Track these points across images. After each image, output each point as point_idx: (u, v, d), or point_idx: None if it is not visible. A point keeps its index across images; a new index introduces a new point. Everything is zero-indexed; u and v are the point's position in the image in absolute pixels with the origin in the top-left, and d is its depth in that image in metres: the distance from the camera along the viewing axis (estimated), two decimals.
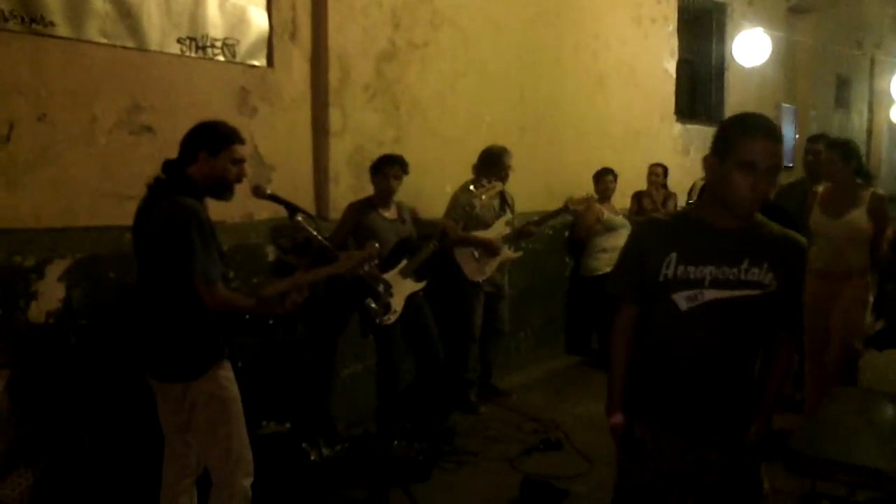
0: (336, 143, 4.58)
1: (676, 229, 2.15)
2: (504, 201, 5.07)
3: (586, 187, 5.98)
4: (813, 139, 5.13)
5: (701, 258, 2.05)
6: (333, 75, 4.52)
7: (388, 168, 4.22)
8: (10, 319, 3.05)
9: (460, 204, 4.62)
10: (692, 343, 2.08)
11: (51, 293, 3.21)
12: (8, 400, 2.78)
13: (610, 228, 6.04)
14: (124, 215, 3.33)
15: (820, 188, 4.46)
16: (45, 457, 2.90)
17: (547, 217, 5.22)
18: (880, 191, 4.31)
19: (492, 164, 4.85)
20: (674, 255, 2.06)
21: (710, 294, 2.03)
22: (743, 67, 8.68)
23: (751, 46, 8.31)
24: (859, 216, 4.13)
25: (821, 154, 4.60)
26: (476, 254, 4.85)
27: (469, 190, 4.53)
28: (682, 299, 2.05)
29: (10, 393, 2.78)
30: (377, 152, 4.47)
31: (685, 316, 2.05)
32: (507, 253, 5.03)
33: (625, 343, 2.22)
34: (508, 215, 5.04)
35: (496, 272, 5.02)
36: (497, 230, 4.92)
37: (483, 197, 4.42)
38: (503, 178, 4.79)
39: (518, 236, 5.12)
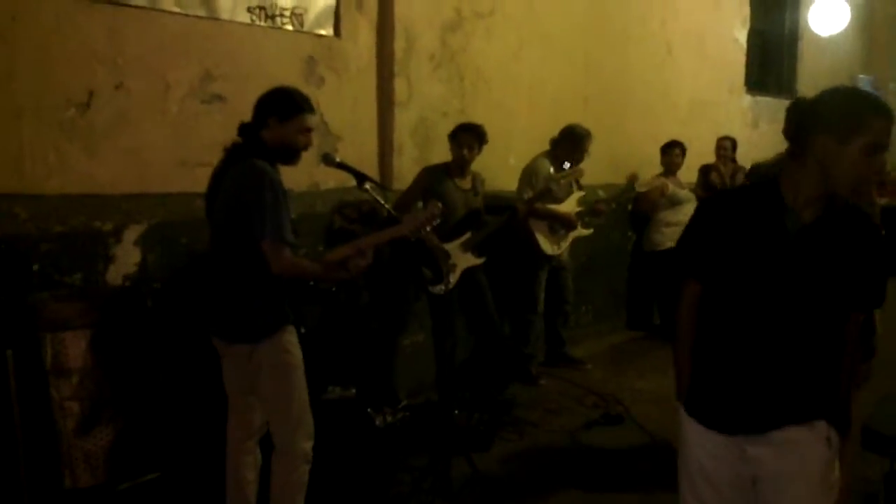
0: (401, 113, 4.58)
1: None
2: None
3: (652, 160, 5.86)
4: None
5: None
6: (399, 45, 4.50)
7: (463, 135, 4.18)
8: (91, 282, 3.17)
9: (539, 178, 4.68)
10: None
11: (127, 257, 3.32)
12: (90, 359, 2.89)
13: (675, 202, 5.91)
14: (195, 182, 3.42)
15: None
16: (125, 413, 3.01)
17: (618, 196, 5.26)
18: None
19: (573, 145, 4.84)
20: None
21: None
22: (818, 36, 8.34)
23: (828, 14, 7.97)
24: None
25: None
26: (552, 228, 4.85)
27: (551, 173, 4.56)
28: None
29: (91, 352, 2.89)
30: (441, 123, 4.45)
31: None
32: (581, 230, 5.00)
33: None
34: (580, 192, 5.01)
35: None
36: (569, 206, 4.89)
37: (562, 181, 4.44)
38: (578, 160, 4.81)
39: (589, 214, 5.08)
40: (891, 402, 2.73)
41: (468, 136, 4.17)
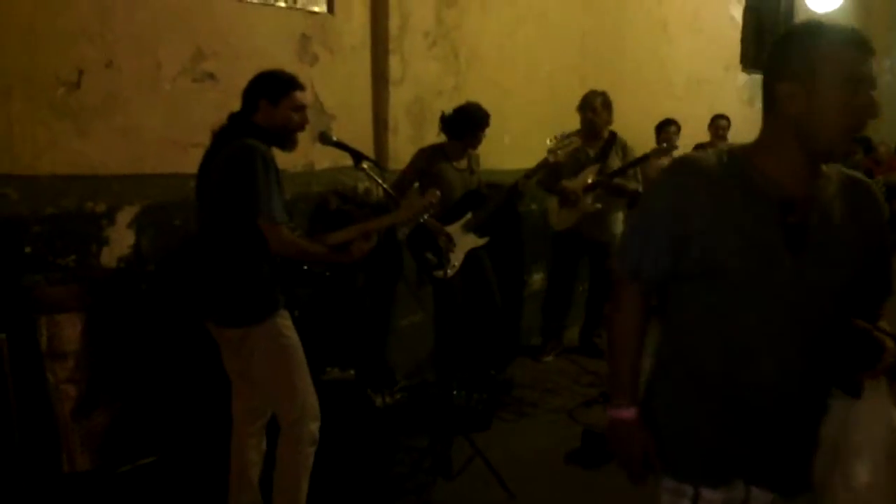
0: (395, 91, 4.52)
1: None
2: (606, 149, 4.87)
3: (648, 138, 5.82)
4: None
5: None
6: (393, 22, 4.44)
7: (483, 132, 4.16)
8: (85, 264, 3.12)
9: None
10: None
11: (121, 239, 3.27)
12: (86, 341, 2.84)
13: None
14: (189, 163, 3.36)
15: None
16: (122, 396, 2.98)
17: (627, 166, 4.86)
18: None
19: (581, 106, 4.87)
20: None
21: None
22: (813, 13, 8.28)
23: None
24: None
25: None
26: (561, 202, 4.82)
27: (546, 142, 4.49)
28: None
29: (87, 335, 2.85)
30: (436, 103, 4.39)
31: None
32: (587, 204, 4.76)
33: None
34: (596, 164, 4.80)
35: (595, 225, 4.86)
36: (583, 179, 4.76)
37: (558, 152, 4.32)
38: (589, 120, 4.80)
39: (595, 188, 4.78)
40: None
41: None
